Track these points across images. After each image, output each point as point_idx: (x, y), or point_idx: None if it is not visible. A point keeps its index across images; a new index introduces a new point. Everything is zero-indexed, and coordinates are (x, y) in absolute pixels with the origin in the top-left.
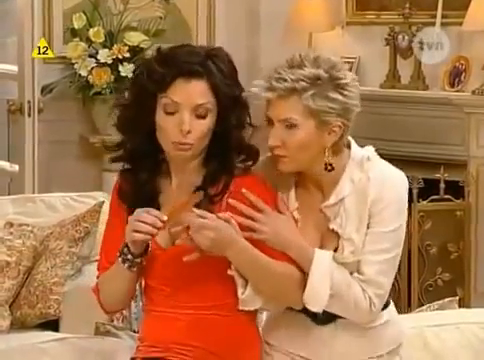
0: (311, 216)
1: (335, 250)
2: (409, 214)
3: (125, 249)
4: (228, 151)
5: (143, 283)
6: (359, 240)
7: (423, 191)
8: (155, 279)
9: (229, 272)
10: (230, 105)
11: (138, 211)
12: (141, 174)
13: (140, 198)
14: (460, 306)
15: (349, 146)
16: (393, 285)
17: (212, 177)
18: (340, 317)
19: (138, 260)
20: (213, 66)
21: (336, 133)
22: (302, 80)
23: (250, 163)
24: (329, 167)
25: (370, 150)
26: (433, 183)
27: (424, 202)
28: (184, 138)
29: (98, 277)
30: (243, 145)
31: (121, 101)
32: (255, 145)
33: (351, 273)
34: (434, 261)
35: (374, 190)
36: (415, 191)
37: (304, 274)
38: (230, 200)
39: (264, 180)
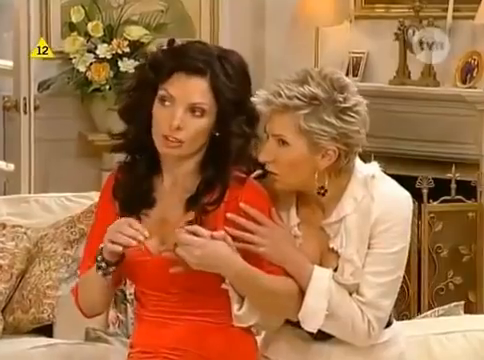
0: (312, 233)
1: (335, 270)
2: (419, 215)
3: (99, 256)
4: (225, 159)
5: (134, 287)
6: (359, 261)
7: (434, 191)
8: (144, 285)
9: (223, 286)
10: (231, 111)
11: (120, 221)
12: (139, 168)
13: (135, 193)
14: (473, 311)
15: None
16: (402, 289)
17: (207, 185)
18: None
19: (111, 269)
20: (219, 67)
21: (330, 157)
22: (298, 98)
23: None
24: (322, 191)
25: (375, 167)
26: (444, 183)
27: (435, 203)
28: (173, 133)
29: (80, 276)
30: (244, 156)
31: (126, 87)
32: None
33: (350, 294)
34: (445, 264)
35: (378, 210)
36: (425, 191)
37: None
38: (229, 214)
39: (261, 190)
